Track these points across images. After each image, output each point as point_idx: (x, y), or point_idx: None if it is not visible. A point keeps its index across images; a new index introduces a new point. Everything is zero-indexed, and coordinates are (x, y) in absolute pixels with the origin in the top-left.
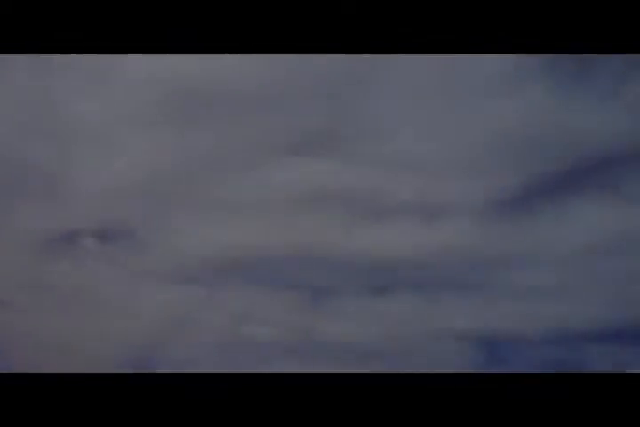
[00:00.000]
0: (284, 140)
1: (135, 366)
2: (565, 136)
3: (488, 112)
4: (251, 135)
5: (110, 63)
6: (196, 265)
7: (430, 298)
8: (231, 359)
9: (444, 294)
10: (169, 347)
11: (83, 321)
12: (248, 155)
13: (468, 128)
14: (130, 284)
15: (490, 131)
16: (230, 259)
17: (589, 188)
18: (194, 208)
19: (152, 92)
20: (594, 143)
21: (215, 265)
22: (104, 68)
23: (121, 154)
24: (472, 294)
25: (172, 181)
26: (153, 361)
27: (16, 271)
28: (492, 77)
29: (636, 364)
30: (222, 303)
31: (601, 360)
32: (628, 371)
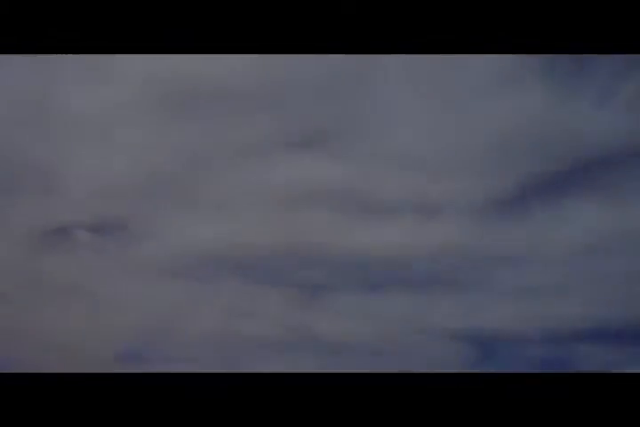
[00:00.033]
0: (282, 138)
1: (128, 360)
2: (562, 136)
3: (485, 112)
4: (247, 133)
5: (107, 60)
6: (191, 261)
7: (426, 296)
8: (225, 355)
9: (440, 292)
10: (162, 341)
11: (76, 315)
12: (244, 152)
13: (465, 127)
14: (124, 278)
15: (487, 130)
16: (225, 255)
17: (585, 188)
18: (189, 204)
19: (148, 90)
20: (590, 143)
21: (210, 261)
22: (100, 65)
23: (117, 150)
24: (467, 292)
25: (167, 177)
26: (146, 355)
27: (10, 265)
28: (489, 77)
29: (630, 363)
30: (217, 299)
31: (594, 360)
32: (627, 371)
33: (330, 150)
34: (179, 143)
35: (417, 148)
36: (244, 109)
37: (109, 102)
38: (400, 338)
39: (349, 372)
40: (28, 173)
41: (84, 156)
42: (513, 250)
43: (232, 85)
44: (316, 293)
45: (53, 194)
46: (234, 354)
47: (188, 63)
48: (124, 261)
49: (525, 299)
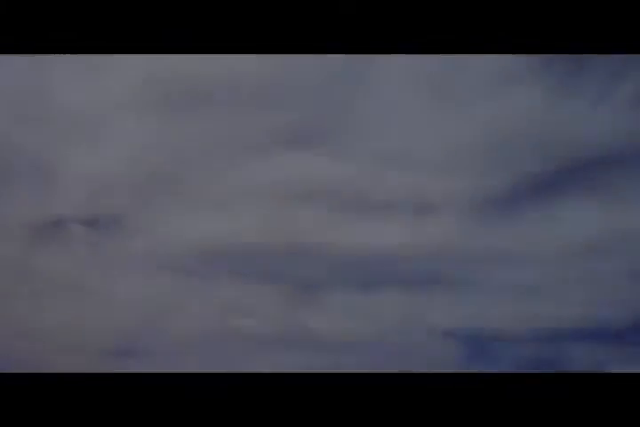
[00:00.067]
0: (276, 135)
1: (120, 356)
2: (559, 136)
3: (483, 111)
4: (246, 131)
5: (107, 60)
6: (187, 257)
7: (422, 295)
8: (220, 352)
9: (436, 291)
10: (156, 337)
11: (69, 309)
12: (242, 150)
13: (463, 127)
14: (118, 273)
15: (485, 130)
16: (218, 250)
17: (581, 188)
18: (184, 199)
19: (143, 83)
20: (587, 143)
21: (203, 256)
22: (96, 60)
23: (113, 146)
24: (463, 291)
25: (164, 173)
26: (139, 351)
27: (3, 258)
28: (487, 77)
29: (623, 363)
30: (209, 294)
31: (588, 359)
32: (624, 371)
33: (328, 149)
34: (177, 141)
35: (415, 147)
36: (242, 108)
37: (107, 99)
38: (394, 336)
39: (347, 372)
40: (23, 168)
41: (80, 151)
42: (509, 249)
43: (231, 84)
44: (312, 291)
45: (49, 188)
46: (229, 351)
47: (188, 63)
48: (119, 256)
49: (521, 298)
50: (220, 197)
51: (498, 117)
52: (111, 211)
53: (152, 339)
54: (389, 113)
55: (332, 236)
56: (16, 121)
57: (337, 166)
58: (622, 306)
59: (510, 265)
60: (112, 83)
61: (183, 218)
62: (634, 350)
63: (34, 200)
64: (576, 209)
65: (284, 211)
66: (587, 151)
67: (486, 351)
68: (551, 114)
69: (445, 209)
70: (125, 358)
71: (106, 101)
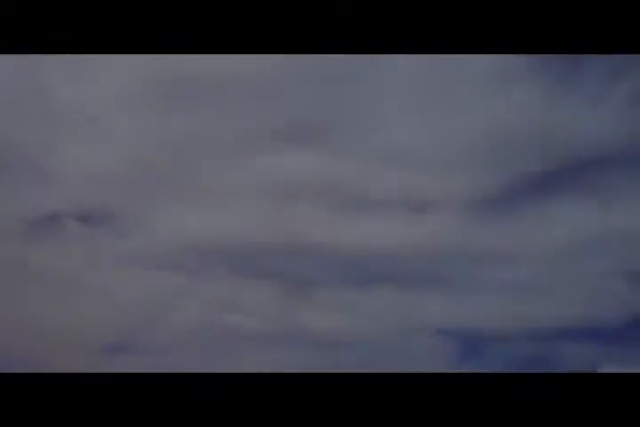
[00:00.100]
0: (272, 132)
1: (114, 351)
2: (555, 135)
3: (479, 111)
4: (239, 126)
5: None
6: (181, 253)
7: (411, 293)
8: (214, 347)
9: (426, 289)
10: (149, 333)
11: (62, 304)
12: (235, 145)
13: (461, 126)
14: (112, 268)
15: (482, 129)
16: (214, 247)
17: (576, 187)
18: (179, 196)
19: (140, 80)
20: (583, 143)
21: (199, 253)
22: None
23: (107, 140)
24: (453, 290)
25: (158, 168)
26: (132, 347)
27: None
28: (485, 77)
29: (615, 362)
30: (205, 291)
31: (579, 358)
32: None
33: (327, 148)
34: (173, 138)
35: (413, 146)
36: (242, 108)
37: (106, 98)
38: (387, 334)
39: (343, 372)
40: (18, 163)
41: (75, 147)
42: (506, 248)
43: (231, 84)
44: (310, 289)
45: (44, 183)
46: (226, 349)
47: (187, 62)
48: (113, 251)
49: (517, 297)
50: (217, 195)
51: (496, 117)
52: (109, 208)
53: (148, 336)
54: (388, 113)
55: (331, 234)
56: (13, 118)
57: (336, 165)
58: (618, 306)
59: (507, 264)
60: (111, 82)
61: (181, 216)
62: (629, 350)
63: (30, 196)
64: (574, 208)
65: (282, 209)
66: (585, 151)
67: (482, 350)
68: (550, 113)
69: (443, 208)
70: (122, 356)
71: (104, 100)
